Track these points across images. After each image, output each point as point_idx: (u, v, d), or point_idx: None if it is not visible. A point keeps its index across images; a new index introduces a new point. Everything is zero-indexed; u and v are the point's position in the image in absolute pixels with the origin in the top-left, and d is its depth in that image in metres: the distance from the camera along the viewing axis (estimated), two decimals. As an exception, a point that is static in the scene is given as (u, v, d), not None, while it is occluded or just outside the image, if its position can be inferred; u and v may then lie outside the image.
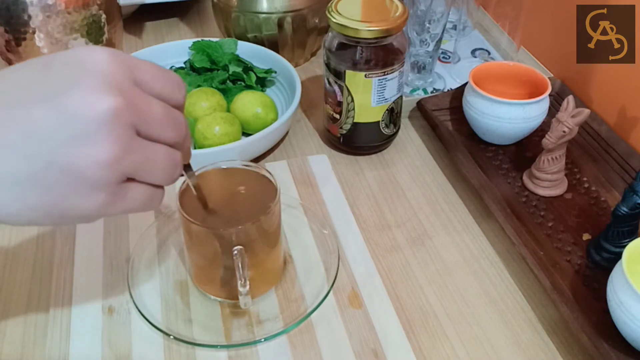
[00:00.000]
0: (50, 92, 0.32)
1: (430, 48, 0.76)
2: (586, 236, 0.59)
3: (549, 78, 0.70)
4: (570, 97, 0.60)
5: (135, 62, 0.35)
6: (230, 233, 0.48)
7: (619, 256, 0.47)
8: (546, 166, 0.62)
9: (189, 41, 0.80)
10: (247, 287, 0.48)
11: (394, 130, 0.70)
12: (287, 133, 0.73)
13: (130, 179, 0.35)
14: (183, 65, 0.81)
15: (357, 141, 0.69)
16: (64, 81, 0.33)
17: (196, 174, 0.50)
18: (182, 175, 0.42)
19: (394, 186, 0.67)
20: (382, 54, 0.64)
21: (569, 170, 0.66)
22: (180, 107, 0.38)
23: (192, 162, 0.45)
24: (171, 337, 0.50)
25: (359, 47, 0.63)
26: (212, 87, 0.75)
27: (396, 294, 0.55)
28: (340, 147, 0.71)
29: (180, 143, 0.38)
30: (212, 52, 0.78)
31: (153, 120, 0.35)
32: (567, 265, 0.56)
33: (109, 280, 0.55)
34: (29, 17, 0.71)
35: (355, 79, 0.64)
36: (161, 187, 0.38)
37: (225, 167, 0.53)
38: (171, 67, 0.80)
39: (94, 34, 0.76)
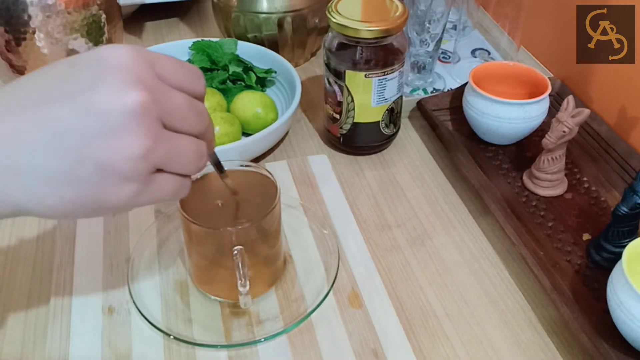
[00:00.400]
0: (77, 89, 0.33)
1: (430, 48, 0.77)
2: (586, 236, 0.59)
3: (549, 78, 0.70)
4: (570, 97, 0.60)
5: (155, 56, 0.37)
6: (230, 233, 0.48)
7: (619, 256, 0.47)
8: (546, 166, 0.62)
9: (189, 41, 0.80)
10: (247, 286, 0.48)
11: (394, 130, 0.70)
12: (287, 133, 0.73)
13: (159, 170, 0.36)
14: (183, 65, 0.81)
15: (357, 141, 0.69)
16: (89, 78, 0.34)
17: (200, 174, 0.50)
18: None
19: (394, 186, 0.67)
20: (382, 54, 0.64)
21: (569, 170, 0.66)
22: (200, 98, 0.39)
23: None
24: (171, 337, 0.50)
25: (359, 47, 0.63)
26: (212, 87, 0.75)
27: (396, 294, 0.55)
28: (340, 147, 0.71)
29: (204, 133, 0.39)
30: (212, 52, 0.78)
31: (177, 112, 0.36)
32: (567, 265, 0.56)
33: (109, 280, 0.55)
34: (29, 17, 0.71)
35: (355, 79, 0.64)
36: (188, 176, 0.39)
37: (225, 167, 0.53)
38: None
39: (94, 34, 0.76)
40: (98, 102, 0.33)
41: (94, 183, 0.34)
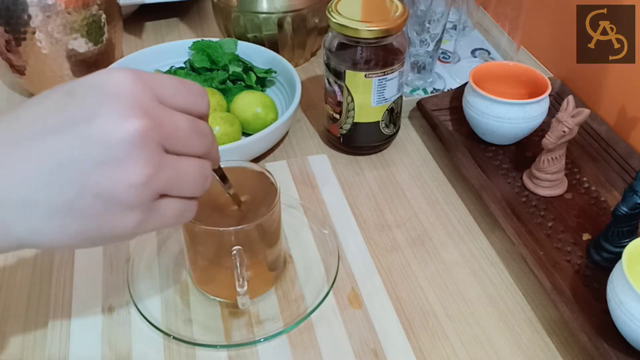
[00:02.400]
0: (75, 119, 0.33)
1: (430, 48, 0.77)
2: (586, 236, 0.59)
3: (549, 78, 0.70)
4: (570, 97, 0.60)
5: (156, 78, 0.36)
6: (229, 233, 0.48)
7: (619, 256, 0.47)
8: (546, 166, 0.62)
9: (189, 41, 0.80)
10: (245, 287, 0.48)
11: (394, 130, 0.70)
12: (287, 133, 0.73)
13: (163, 195, 0.35)
14: (183, 65, 0.81)
15: (357, 141, 0.69)
16: (88, 107, 0.33)
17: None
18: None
19: (394, 186, 0.67)
20: (382, 54, 0.64)
21: (569, 170, 0.66)
22: (204, 117, 0.38)
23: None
24: (171, 337, 0.50)
25: (359, 47, 0.63)
26: (212, 87, 0.75)
27: (396, 294, 0.55)
28: (340, 147, 0.71)
29: (209, 152, 0.38)
30: (212, 52, 0.78)
31: (180, 135, 0.35)
32: (567, 265, 0.56)
33: (109, 280, 0.55)
34: (29, 17, 0.71)
35: (355, 79, 0.64)
36: (194, 198, 0.38)
37: (225, 167, 0.53)
38: (171, 67, 0.80)
39: (94, 34, 0.76)
40: (97, 132, 0.32)
41: (96, 214, 0.33)
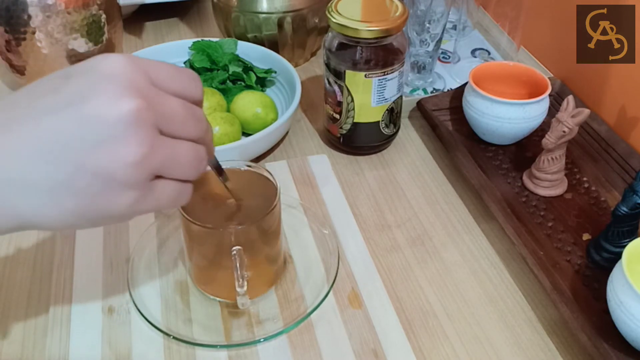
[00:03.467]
0: (71, 99, 0.33)
1: (430, 48, 0.77)
2: (586, 236, 0.59)
3: (549, 78, 0.70)
4: (570, 97, 0.60)
5: (149, 62, 0.36)
6: (230, 233, 0.48)
7: (619, 256, 0.47)
8: (546, 166, 0.62)
9: (189, 41, 0.80)
10: (245, 287, 0.48)
11: (394, 130, 0.70)
12: (287, 133, 0.73)
13: (158, 177, 0.36)
14: (183, 65, 0.81)
15: (357, 141, 0.69)
16: (83, 88, 0.34)
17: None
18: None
19: (394, 186, 0.67)
20: (382, 54, 0.64)
21: (569, 170, 0.66)
22: (198, 103, 0.39)
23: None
24: (171, 337, 0.50)
25: (359, 47, 0.63)
26: (212, 87, 0.75)
27: (396, 294, 0.55)
28: (340, 147, 0.71)
29: (203, 137, 0.39)
30: (212, 52, 0.78)
31: (174, 117, 0.36)
32: (567, 265, 0.56)
33: (109, 280, 0.55)
34: (29, 17, 0.71)
35: (355, 79, 0.64)
36: (188, 181, 0.39)
37: (225, 167, 0.53)
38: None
39: (94, 34, 0.76)
40: (92, 111, 0.33)
41: (93, 192, 0.34)
